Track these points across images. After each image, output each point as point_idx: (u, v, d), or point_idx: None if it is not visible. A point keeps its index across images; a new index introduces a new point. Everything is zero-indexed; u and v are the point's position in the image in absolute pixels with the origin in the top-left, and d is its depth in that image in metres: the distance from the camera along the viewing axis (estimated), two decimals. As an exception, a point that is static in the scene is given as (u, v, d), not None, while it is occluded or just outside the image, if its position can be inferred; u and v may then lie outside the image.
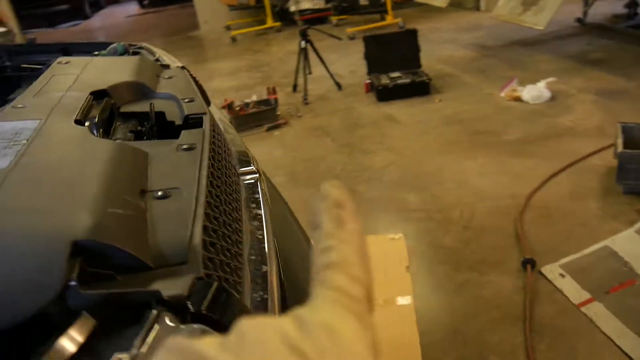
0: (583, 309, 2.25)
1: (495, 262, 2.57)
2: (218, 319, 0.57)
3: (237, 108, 4.60)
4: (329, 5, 8.69)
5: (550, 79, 4.48)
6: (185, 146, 0.88)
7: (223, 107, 4.71)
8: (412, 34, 5.07)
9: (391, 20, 7.91)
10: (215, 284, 0.60)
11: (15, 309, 0.50)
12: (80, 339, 0.47)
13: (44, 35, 10.80)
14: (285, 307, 1.03)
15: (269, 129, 4.56)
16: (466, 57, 5.85)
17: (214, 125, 1.04)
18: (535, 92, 4.39)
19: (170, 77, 1.32)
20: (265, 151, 4.17)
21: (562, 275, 2.43)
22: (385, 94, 4.82)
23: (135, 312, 0.54)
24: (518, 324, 2.18)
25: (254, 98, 4.74)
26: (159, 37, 9.56)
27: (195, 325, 0.53)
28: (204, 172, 0.79)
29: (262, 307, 0.72)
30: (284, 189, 3.54)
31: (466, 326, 2.22)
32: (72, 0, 12.31)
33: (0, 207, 0.62)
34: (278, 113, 4.74)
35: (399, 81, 4.83)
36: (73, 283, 0.53)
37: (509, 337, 2.13)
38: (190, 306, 0.56)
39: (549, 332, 2.14)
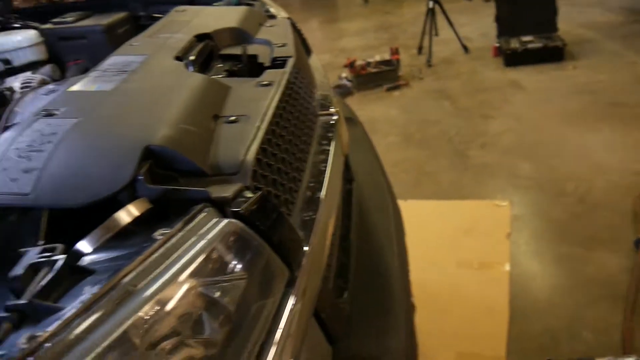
0: (699, 297, 2.07)
1: (605, 239, 2.43)
2: (255, 221, 0.66)
3: (358, 67, 4.66)
4: (467, -35, 8.32)
5: None
6: (264, 82, 0.98)
7: (345, 66, 4.80)
8: (550, -4, 4.74)
9: (533, -18, 7.39)
10: (258, 194, 0.69)
11: (94, 191, 0.63)
12: (135, 213, 0.59)
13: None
14: (347, 239, 1.12)
15: (388, 89, 4.58)
16: (612, 21, 5.35)
17: (298, 67, 1.13)
18: (687, 62, 3.94)
19: (271, 26, 1.43)
20: (382, 111, 4.21)
21: (680, 260, 2.25)
22: (514, 59, 4.60)
23: (187, 208, 0.66)
24: (618, 303, 2.07)
25: (377, 58, 4.76)
26: (296, -4, 9.79)
27: (233, 220, 0.63)
28: (273, 104, 0.89)
29: (308, 225, 0.80)
30: (396, 148, 3.60)
31: (561, 299, 2.15)
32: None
33: (98, 118, 0.76)
34: (399, 74, 4.73)
35: (530, 45, 4.57)
36: (140, 177, 0.65)
37: (606, 315, 2.04)
38: (232, 207, 0.66)
39: (653, 315, 2.01)
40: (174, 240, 0.57)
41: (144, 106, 0.81)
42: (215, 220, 0.61)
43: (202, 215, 0.62)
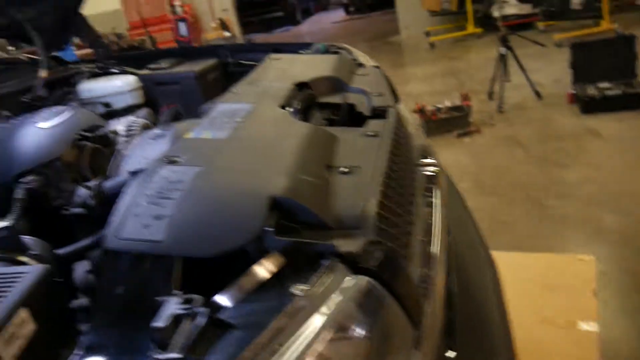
0: None
1: (703, 299, 2.25)
2: (384, 277, 0.64)
3: (429, 113, 4.64)
4: (536, 10, 8.22)
5: None
6: (370, 133, 0.97)
7: (415, 111, 4.79)
8: (628, 41, 4.59)
9: (607, 26, 7.21)
10: (384, 249, 0.67)
11: (225, 241, 0.63)
12: (272, 268, 0.59)
13: (261, 38, 11.97)
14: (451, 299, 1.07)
15: (459, 136, 4.52)
16: (696, 68, 5.12)
17: (398, 118, 1.13)
18: None
19: (363, 75, 1.44)
20: (453, 157, 4.15)
21: None
22: (591, 106, 4.45)
23: (314, 261, 0.65)
24: None
25: (447, 104, 4.73)
26: (361, 42, 9.96)
27: (366, 277, 0.61)
28: (384, 156, 0.88)
29: (424, 282, 0.78)
30: (468, 196, 3.49)
31: (657, 363, 1.99)
32: (286, 7, 13.48)
33: (221, 167, 0.78)
34: (470, 120, 4.67)
35: (608, 92, 4.42)
36: (269, 229, 0.65)
37: None
38: (361, 262, 0.64)
39: None
40: (311, 296, 0.55)
41: (261, 155, 0.81)
42: (349, 277, 0.60)
43: (334, 270, 0.61)
